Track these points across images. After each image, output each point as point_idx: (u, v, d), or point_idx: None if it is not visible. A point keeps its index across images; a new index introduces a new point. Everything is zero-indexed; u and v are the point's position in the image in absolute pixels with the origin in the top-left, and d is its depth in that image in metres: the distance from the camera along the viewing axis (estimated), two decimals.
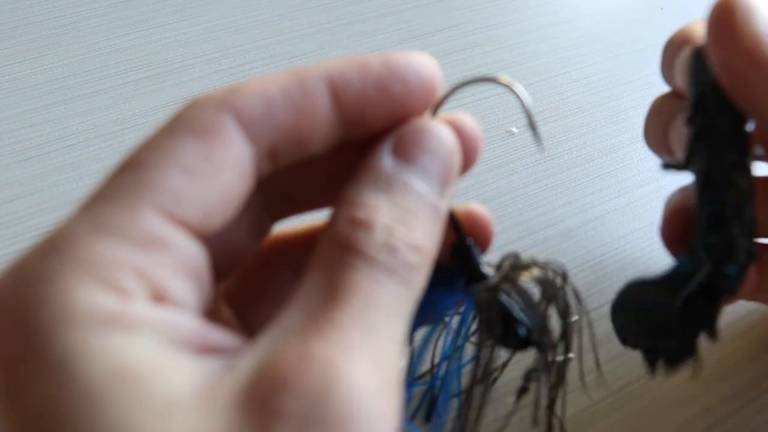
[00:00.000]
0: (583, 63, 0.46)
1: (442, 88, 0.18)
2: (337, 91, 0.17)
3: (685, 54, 0.22)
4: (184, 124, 0.15)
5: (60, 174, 0.37)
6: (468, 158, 0.19)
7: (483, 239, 0.21)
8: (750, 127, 0.21)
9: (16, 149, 0.38)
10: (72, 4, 0.49)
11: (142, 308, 0.14)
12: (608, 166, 0.38)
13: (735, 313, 0.30)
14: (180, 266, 0.15)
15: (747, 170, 0.21)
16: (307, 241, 0.21)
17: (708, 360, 0.30)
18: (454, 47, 0.47)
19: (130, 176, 0.15)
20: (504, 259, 0.22)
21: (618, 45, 0.47)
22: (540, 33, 0.48)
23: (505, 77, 0.20)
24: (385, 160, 0.17)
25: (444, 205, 0.17)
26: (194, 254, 0.15)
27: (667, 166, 0.23)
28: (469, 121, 0.19)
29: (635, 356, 0.29)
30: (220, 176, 0.15)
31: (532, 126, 0.20)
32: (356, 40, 0.47)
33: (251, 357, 0.14)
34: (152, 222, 0.14)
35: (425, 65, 0.17)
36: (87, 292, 0.13)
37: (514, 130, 0.40)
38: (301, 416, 0.13)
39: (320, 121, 0.17)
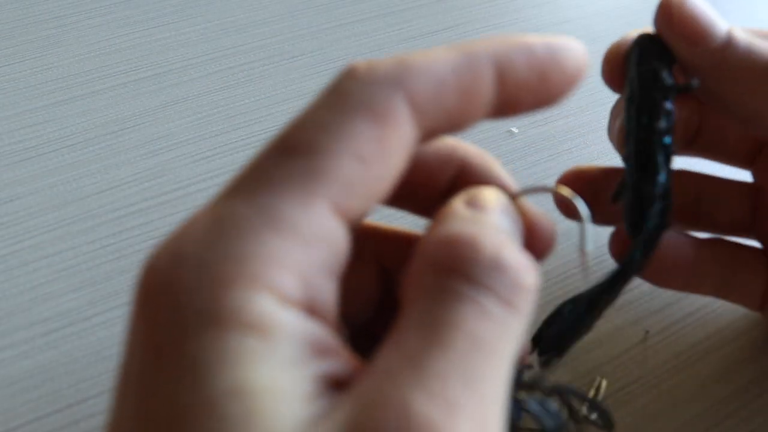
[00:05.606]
0: None
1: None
2: (502, 75, 0.16)
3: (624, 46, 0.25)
4: (357, 104, 0.14)
5: (60, 174, 0.37)
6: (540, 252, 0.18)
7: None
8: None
9: (16, 149, 0.38)
10: (72, 4, 0.49)
11: (293, 317, 0.13)
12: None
13: (735, 313, 0.30)
14: (335, 266, 0.14)
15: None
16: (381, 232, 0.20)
17: (708, 360, 0.30)
18: None
19: (303, 162, 0.14)
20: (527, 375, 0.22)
21: None
22: (540, 33, 0.48)
23: (566, 189, 0.19)
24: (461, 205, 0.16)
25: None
26: (346, 251, 0.14)
27: (617, 196, 0.24)
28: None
29: (635, 356, 0.29)
30: (389, 165, 0.14)
31: (582, 255, 0.19)
32: (356, 40, 0.47)
33: (350, 400, 0.13)
34: (323, 218, 0.14)
35: (580, 53, 0.17)
36: (242, 290, 0.13)
37: (514, 130, 0.40)
38: None
39: (481, 106, 0.16)
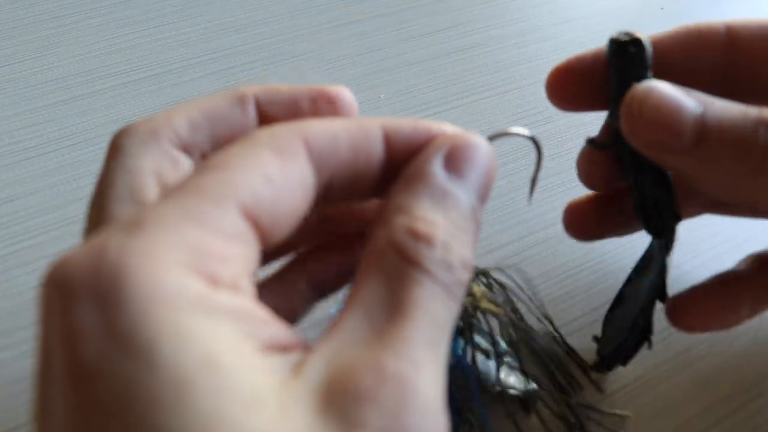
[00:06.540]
0: None
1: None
2: (389, 136, 0.18)
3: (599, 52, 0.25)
4: (263, 142, 0.17)
5: (60, 174, 0.37)
6: None
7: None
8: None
9: (16, 149, 0.38)
10: (72, 4, 0.49)
11: (225, 295, 0.14)
12: None
13: None
14: (249, 263, 0.16)
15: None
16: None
17: (708, 360, 0.30)
18: (454, 47, 0.47)
19: (215, 174, 0.16)
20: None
21: None
22: (540, 33, 0.48)
23: (521, 128, 0.21)
24: (439, 172, 0.18)
25: (480, 218, 0.19)
26: (257, 255, 0.16)
27: (593, 143, 0.26)
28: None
29: (635, 356, 0.29)
30: (292, 193, 0.16)
31: (534, 180, 0.23)
32: (356, 40, 0.47)
33: (319, 363, 0.15)
34: (235, 217, 0.15)
35: (450, 128, 0.19)
36: (176, 272, 0.14)
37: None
38: (381, 428, 0.14)
39: (374, 164, 0.18)
